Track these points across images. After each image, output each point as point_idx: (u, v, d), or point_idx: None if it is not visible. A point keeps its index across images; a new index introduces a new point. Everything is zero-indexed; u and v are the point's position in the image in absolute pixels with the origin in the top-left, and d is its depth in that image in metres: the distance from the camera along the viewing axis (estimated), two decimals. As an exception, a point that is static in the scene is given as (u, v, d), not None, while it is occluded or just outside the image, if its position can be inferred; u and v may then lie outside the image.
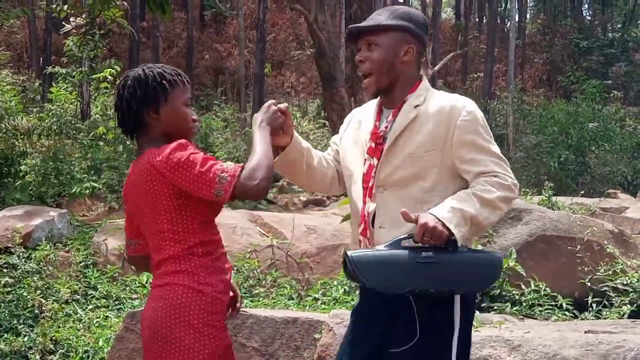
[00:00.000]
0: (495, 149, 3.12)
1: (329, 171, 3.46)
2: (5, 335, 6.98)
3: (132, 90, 3.12)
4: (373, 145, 3.21)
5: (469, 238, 3.07)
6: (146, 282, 8.02)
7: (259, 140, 3.01)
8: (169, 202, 3.00)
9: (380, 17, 3.19)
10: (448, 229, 2.89)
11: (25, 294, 7.59)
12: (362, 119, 3.37)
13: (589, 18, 38.84)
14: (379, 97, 3.32)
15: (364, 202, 3.21)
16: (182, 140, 3.00)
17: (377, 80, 3.18)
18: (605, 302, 7.40)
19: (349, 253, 2.96)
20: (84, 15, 11.90)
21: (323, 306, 7.18)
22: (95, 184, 12.10)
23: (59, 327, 7.14)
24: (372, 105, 3.38)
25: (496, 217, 3.04)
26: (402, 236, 2.99)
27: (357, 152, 3.30)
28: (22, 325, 7.19)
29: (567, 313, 7.17)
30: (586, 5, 40.02)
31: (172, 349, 2.97)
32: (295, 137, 3.32)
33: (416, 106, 3.14)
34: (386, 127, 3.20)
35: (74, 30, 12.90)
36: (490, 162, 3.08)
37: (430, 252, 2.91)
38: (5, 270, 8.11)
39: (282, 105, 3.21)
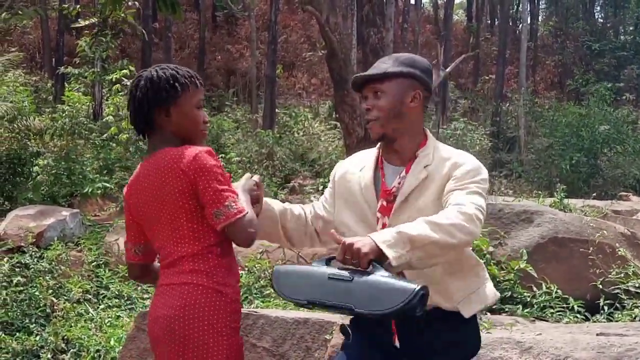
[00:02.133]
0: (479, 200, 3.03)
1: (307, 229, 3.45)
2: (18, 334, 7.02)
3: (145, 91, 3.12)
4: (385, 203, 3.19)
5: (416, 262, 2.89)
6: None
7: (247, 202, 3.08)
8: (190, 201, 3.01)
9: (385, 64, 3.19)
10: (381, 250, 2.79)
11: (37, 293, 7.62)
12: (351, 172, 3.34)
13: (601, 20, 38.73)
14: (377, 149, 3.32)
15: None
16: (210, 149, 3.05)
17: (383, 125, 3.17)
18: (617, 305, 7.37)
19: (276, 267, 3.02)
20: (96, 16, 11.95)
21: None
22: (107, 184, 12.14)
23: (71, 326, 7.16)
24: (364, 158, 3.36)
25: (445, 244, 2.85)
26: (329, 256, 2.98)
27: (356, 212, 3.28)
28: (34, 325, 7.22)
29: (578, 315, 7.15)
30: (598, 8, 39.89)
31: (191, 350, 2.96)
32: (266, 205, 3.33)
33: (425, 166, 3.16)
34: (399, 184, 3.18)
35: (86, 31, 12.95)
36: (466, 199, 3.00)
37: (347, 272, 2.84)
38: (17, 270, 8.15)
39: (256, 178, 3.27)
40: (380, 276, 2.78)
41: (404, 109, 3.17)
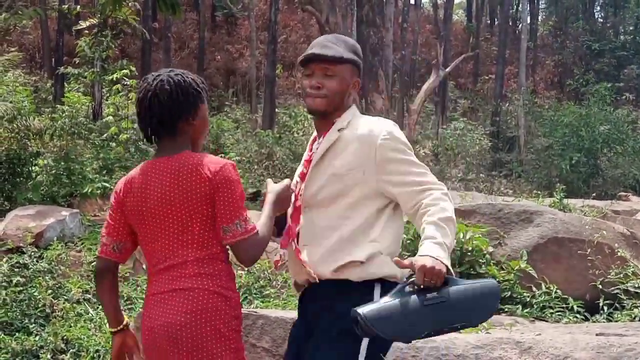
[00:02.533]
0: (415, 160, 3.26)
1: None
2: (17, 334, 7.01)
3: (175, 96, 3.10)
4: (305, 170, 3.39)
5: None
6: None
7: (268, 217, 3.19)
8: (208, 207, 3.03)
9: (339, 48, 3.32)
10: (445, 264, 2.96)
11: (36, 293, 7.62)
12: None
13: (601, 20, 38.69)
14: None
15: (293, 222, 3.37)
16: (234, 163, 3.14)
17: (329, 104, 3.32)
18: (617, 305, 7.38)
19: (360, 311, 2.94)
20: (96, 16, 11.97)
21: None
22: (107, 184, 12.14)
23: (70, 326, 7.16)
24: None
25: (455, 229, 3.17)
26: (404, 283, 3.01)
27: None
28: (34, 325, 7.22)
29: (578, 315, 7.16)
30: (598, 8, 39.86)
31: (199, 357, 2.96)
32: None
33: (339, 129, 3.30)
34: (316, 150, 3.37)
35: (86, 31, 12.96)
36: (417, 176, 3.21)
37: (434, 292, 2.93)
38: (17, 270, 8.15)
39: (287, 181, 3.42)
40: (461, 286, 2.97)
41: (346, 94, 3.35)
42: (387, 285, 3.12)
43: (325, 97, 3.29)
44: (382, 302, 2.98)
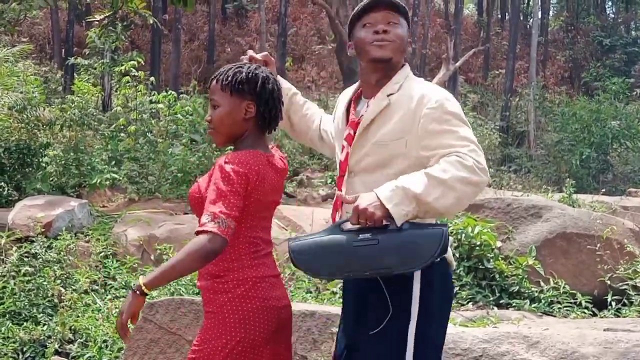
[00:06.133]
0: (466, 132, 3.03)
1: (310, 132, 3.64)
2: (25, 323, 7.03)
3: (278, 88, 3.26)
4: (351, 132, 3.24)
5: (417, 218, 2.92)
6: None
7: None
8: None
9: (401, 2, 3.22)
10: (385, 207, 2.84)
11: (45, 283, 7.63)
12: (341, 102, 3.45)
13: (612, 16, 38.53)
14: (358, 84, 3.37)
15: (340, 189, 3.24)
16: None
17: (396, 51, 3.19)
18: (625, 301, 7.37)
19: (290, 243, 2.96)
20: (107, 9, 11.95)
21: (341, 300, 7.17)
22: (116, 175, 12.16)
23: (78, 316, 7.17)
24: (348, 92, 3.44)
25: (453, 200, 2.87)
26: (343, 219, 2.97)
27: (337, 138, 3.37)
28: (42, 314, 7.24)
29: (586, 311, 7.15)
30: (610, 3, 39.72)
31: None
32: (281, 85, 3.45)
33: (389, 95, 3.14)
34: (365, 112, 3.21)
35: (97, 22, 12.96)
36: (456, 143, 2.97)
37: (368, 233, 2.84)
38: (25, 259, 8.17)
39: (258, 56, 3.44)
40: (403, 231, 2.83)
41: (405, 46, 3.25)
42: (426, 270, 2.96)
43: (394, 42, 3.17)
44: (313, 236, 2.97)
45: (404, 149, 3.04)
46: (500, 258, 7.52)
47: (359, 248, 2.84)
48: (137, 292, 2.90)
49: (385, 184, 2.90)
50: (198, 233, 2.90)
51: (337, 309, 5.57)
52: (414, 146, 3.03)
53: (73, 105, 13.78)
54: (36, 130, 13.21)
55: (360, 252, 2.84)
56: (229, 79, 3.15)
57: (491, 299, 7.14)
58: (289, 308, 3.21)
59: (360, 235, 2.85)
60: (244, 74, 3.15)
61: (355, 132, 3.20)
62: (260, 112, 3.17)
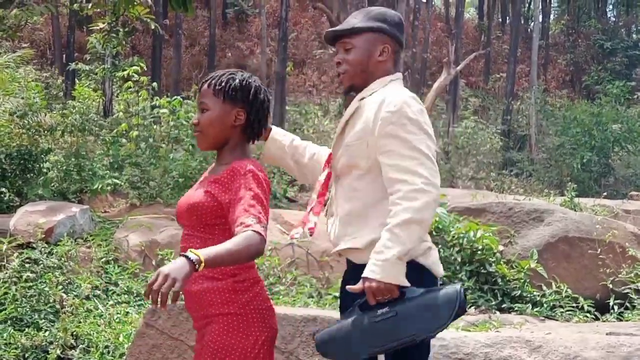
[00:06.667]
0: (418, 141, 3.04)
1: (321, 166, 3.59)
2: (27, 329, 7.02)
3: (268, 100, 3.31)
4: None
5: (413, 256, 3.03)
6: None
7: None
8: None
9: (354, 20, 3.28)
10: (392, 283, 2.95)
11: (46, 289, 7.62)
12: None
13: (613, 19, 38.55)
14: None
15: (325, 191, 3.41)
16: None
17: (352, 78, 3.27)
18: (627, 304, 7.36)
19: (316, 336, 3.09)
20: (108, 15, 11.95)
21: (343, 305, 7.16)
22: (117, 181, 12.15)
23: (80, 322, 7.16)
24: None
25: (420, 229, 2.97)
26: (360, 301, 3.04)
27: None
28: (43, 320, 7.22)
29: (588, 315, 7.14)
30: (610, 7, 39.73)
31: None
32: (274, 134, 3.54)
33: (361, 99, 3.23)
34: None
35: (98, 28, 12.97)
36: (401, 159, 3.01)
37: (385, 307, 2.95)
38: (27, 265, 8.16)
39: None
40: (418, 298, 2.94)
41: (372, 63, 3.25)
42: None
43: (346, 72, 3.26)
44: (336, 324, 3.10)
45: (365, 149, 3.13)
46: (502, 262, 7.52)
47: (379, 323, 2.95)
48: (196, 264, 2.71)
49: (371, 259, 2.97)
50: (254, 233, 2.87)
51: (338, 314, 5.57)
52: (373, 148, 3.11)
53: (74, 111, 13.78)
54: (37, 136, 13.19)
55: (382, 327, 2.95)
56: (223, 84, 3.17)
57: (493, 303, 7.13)
58: None
59: (379, 311, 2.96)
60: (237, 81, 3.18)
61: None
62: (249, 121, 3.19)
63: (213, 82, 3.19)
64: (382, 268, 2.91)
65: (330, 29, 3.34)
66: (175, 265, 2.67)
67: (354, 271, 3.15)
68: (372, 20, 3.25)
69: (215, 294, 3.08)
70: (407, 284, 2.95)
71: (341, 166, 3.22)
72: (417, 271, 3.05)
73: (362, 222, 3.14)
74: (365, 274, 2.96)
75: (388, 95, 3.13)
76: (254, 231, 2.85)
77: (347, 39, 3.25)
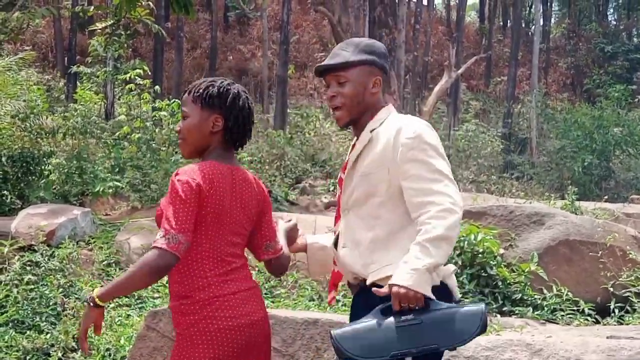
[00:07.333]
0: (440, 165, 3.14)
1: None
2: (28, 332, 7.02)
3: (249, 106, 3.28)
4: (342, 175, 3.40)
5: (441, 276, 3.14)
6: (166, 282, 8.04)
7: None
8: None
9: (346, 52, 3.32)
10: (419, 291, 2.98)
11: (47, 291, 7.63)
12: None
13: (614, 23, 38.57)
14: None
15: (335, 225, 3.46)
16: None
17: (349, 112, 3.31)
18: (628, 308, 7.36)
19: (332, 332, 3.06)
20: (109, 17, 11.99)
21: (344, 308, 7.17)
22: (119, 183, 12.17)
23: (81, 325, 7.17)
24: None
25: (448, 247, 3.05)
26: (382, 306, 3.06)
27: None
28: (45, 323, 7.23)
29: (589, 318, 7.14)
30: (611, 10, 39.75)
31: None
32: (311, 242, 3.72)
33: (372, 130, 3.27)
34: (350, 153, 3.37)
35: (99, 30, 13.01)
36: (427, 182, 3.10)
37: (410, 314, 2.99)
38: (28, 268, 8.16)
39: (294, 221, 3.66)
40: (443, 309, 3.01)
41: (366, 95, 3.31)
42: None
43: (343, 105, 3.30)
44: (356, 323, 3.08)
45: (387, 175, 3.18)
46: (502, 265, 7.52)
47: (404, 327, 2.99)
48: (91, 304, 2.97)
49: (400, 267, 3.01)
50: (153, 249, 2.93)
51: (340, 317, 5.58)
52: (395, 174, 3.16)
53: (76, 114, 13.81)
54: (39, 139, 13.21)
55: (407, 332, 2.99)
56: (201, 91, 3.18)
57: (494, 306, 7.14)
58: (263, 321, 3.19)
59: (403, 317, 3.00)
60: (215, 88, 3.19)
61: (344, 174, 3.37)
62: (228, 127, 3.20)
63: (193, 89, 3.22)
64: (412, 276, 2.96)
65: (322, 64, 3.36)
66: (83, 313, 2.99)
67: (366, 291, 3.19)
68: (362, 53, 3.30)
69: (172, 314, 3.19)
70: (433, 296, 3.01)
71: (356, 197, 3.26)
72: (442, 291, 3.12)
73: (391, 247, 3.18)
74: (393, 280, 2.99)
75: (405, 124, 3.21)
76: (154, 247, 2.91)
77: (341, 72, 3.30)
